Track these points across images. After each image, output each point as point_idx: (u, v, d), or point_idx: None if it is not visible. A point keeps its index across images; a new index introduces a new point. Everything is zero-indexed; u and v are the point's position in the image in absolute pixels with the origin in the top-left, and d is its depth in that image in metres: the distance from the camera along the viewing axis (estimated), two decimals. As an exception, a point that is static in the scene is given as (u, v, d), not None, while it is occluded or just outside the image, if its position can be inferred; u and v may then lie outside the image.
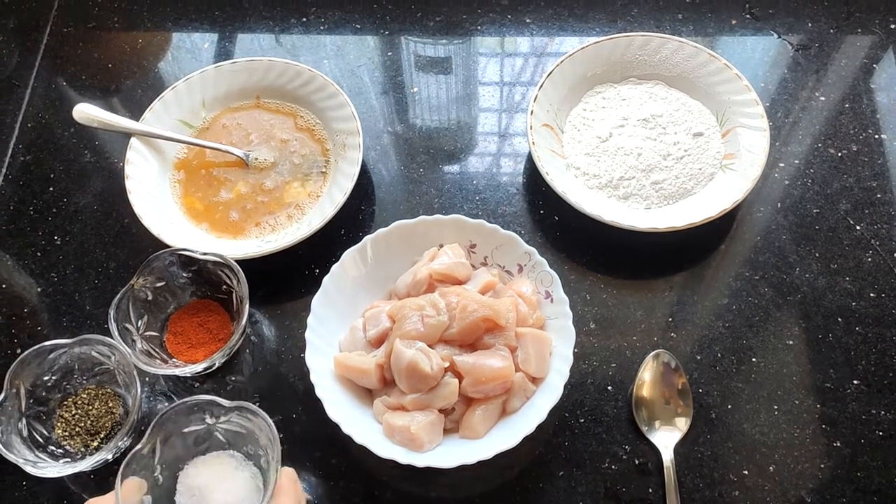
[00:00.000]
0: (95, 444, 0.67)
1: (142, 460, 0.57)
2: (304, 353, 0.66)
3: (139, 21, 0.95)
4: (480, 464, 0.61)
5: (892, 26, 0.90)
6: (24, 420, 0.66)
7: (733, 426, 0.68)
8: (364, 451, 0.61)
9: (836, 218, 0.78)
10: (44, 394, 0.68)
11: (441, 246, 0.71)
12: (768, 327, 0.73)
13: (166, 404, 0.71)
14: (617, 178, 0.78)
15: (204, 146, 0.81)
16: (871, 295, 0.74)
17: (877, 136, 0.83)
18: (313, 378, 0.64)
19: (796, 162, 0.82)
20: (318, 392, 0.64)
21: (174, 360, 0.71)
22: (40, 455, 0.65)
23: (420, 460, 0.61)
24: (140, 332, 0.70)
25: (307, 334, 0.66)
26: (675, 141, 0.79)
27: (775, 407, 0.69)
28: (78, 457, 0.66)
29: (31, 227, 0.81)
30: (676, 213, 0.76)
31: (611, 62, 0.84)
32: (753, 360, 0.71)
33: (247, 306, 0.68)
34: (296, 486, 0.57)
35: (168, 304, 0.73)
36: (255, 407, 0.59)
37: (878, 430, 0.68)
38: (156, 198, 0.78)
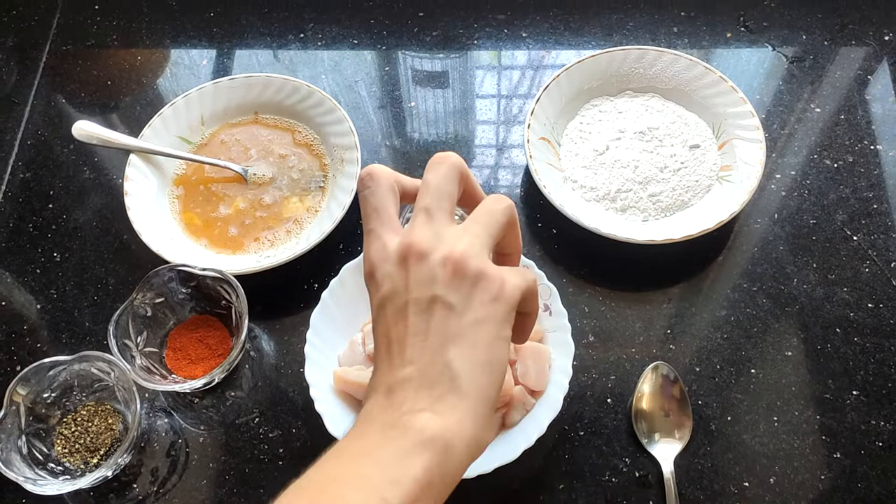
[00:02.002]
0: (95, 460, 0.67)
1: None
2: (303, 368, 0.66)
3: (138, 39, 0.96)
4: (480, 477, 0.61)
5: (886, 38, 0.91)
6: (23, 437, 0.65)
7: (733, 438, 0.68)
8: (364, 466, 0.61)
9: (832, 229, 0.78)
10: (43, 411, 0.68)
11: (439, 260, 0.72)
12: (767, 338, 0.73)
13: (165, 420, 0.71)
14: (614, 190, 0.78)
15: (202, 162, 0.82)
16: (869, 305, 0.74)
17: (872, 147, 0.83)
18: (313, 393, 0.64)
19: (792, 173, 0.82)
20: (318, 407, 0.64)
21: (174, 375, 0.71)
22: (40, 472, 0.64)
23: (420, 474, 0.61)
24: (139, 348, 0.70)
25: (306, 349, 0.66)
26: (671, 153, 0.79)
27: (775, 418, 0.69)
28: (77, 474, 0.66)
29: (30, 243, 0.81)
30: (674, 225, 0.76)
31: (607, 75, 0.84)
32: (752, 371, 0.71)
33: (246, 321, 0.68)
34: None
35: (167, 320, 0.73)
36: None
37: (878, 440, 0.68)
38: (155, 214, 0.78)
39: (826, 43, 0.91)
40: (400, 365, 0.42)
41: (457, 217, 0.50)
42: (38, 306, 0.78)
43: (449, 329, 0.42)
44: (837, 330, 0.73)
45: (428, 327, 0.42)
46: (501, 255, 0.49)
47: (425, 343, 0.42)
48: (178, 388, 0.68)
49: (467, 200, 0.49)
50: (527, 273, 0.45)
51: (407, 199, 0.49)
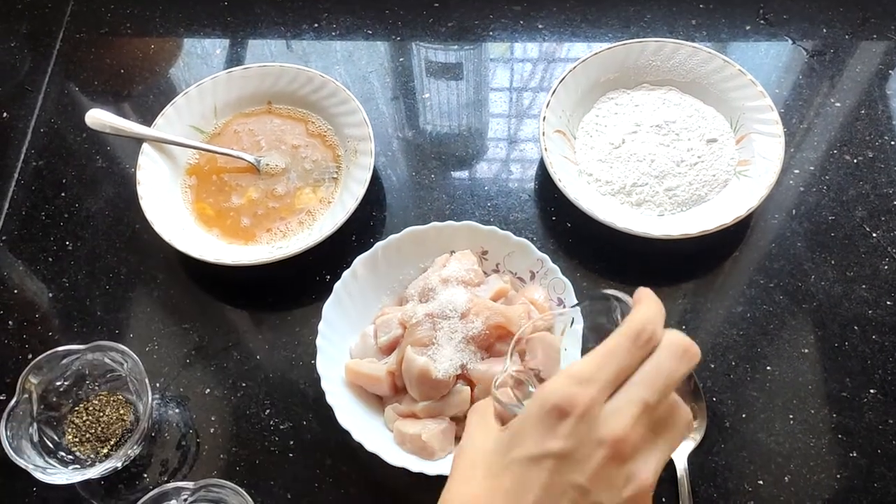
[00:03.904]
0: (105, 450, 0.67)
1: None
2: (315, 360, 0.65)
3: (151, 27, 0.95)
4: (492, 473, 0.60)
5: (908, 32, 0.89)
6: (35, 425, 0.65)
7: (748, 435, 0.67)
8: (375, 459, 0.61)
9: (851, 225, 0.77)
10: (55, 399, 0.68)
11: (452, 252, 0.71)
12: (783, 335, 0.72)
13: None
14: (630, 184, 0.77)
15: (215, 152, 0.81)
16: (888, 303, 0.73)
17: (893, 143, 0.82)
18: (324, 385, 0.64)
19: (811, 168, 0.81)
20: (329, 399, 0.63)
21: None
22: (50, 461, 0.64)
23: (431, 468, 0.61)
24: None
25: (318, 341, 0.66)
26: (688, 147, 0.78)
27: (790, 416, 0.68)
28: (87, 463, 0.66)
29: (42, 232, 0.81)
30: (690, 219, 0.75)
31: (624, 68, 0.83)
32: (768, 368, 0.70)
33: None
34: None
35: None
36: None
37: (895, 440, 0.67)
38: (167, 203, 0.78)
39: (847, 37, 0.90)
40: None
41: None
42: (50, 295, 0.77)
43: None
44: (855, 328, 0.72)
45: None
46: None
47: None
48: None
49: None
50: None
51: None
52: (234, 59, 0.92)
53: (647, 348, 0.41)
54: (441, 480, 0.61)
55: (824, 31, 0.90)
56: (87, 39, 0.95)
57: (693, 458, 0.66)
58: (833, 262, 0.75)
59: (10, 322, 0.76)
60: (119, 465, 0.65)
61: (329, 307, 0.68)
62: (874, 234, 0.77)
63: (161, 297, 0.77)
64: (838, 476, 0.65)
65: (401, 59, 0.91)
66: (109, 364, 0.68)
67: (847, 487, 0.65)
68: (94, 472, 0.63)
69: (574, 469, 0.39)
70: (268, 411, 0.70)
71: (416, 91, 0.89)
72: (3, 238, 0.81)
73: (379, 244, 0.71)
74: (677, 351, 0.41)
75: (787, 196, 0.79)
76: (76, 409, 0.69)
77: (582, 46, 0.91)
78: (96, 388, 0.70)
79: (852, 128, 0.83)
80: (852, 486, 0.65)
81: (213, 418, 0.70)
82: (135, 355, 0.65)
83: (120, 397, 0.70)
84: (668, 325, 0.72)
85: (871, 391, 0.69)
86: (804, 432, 0.67)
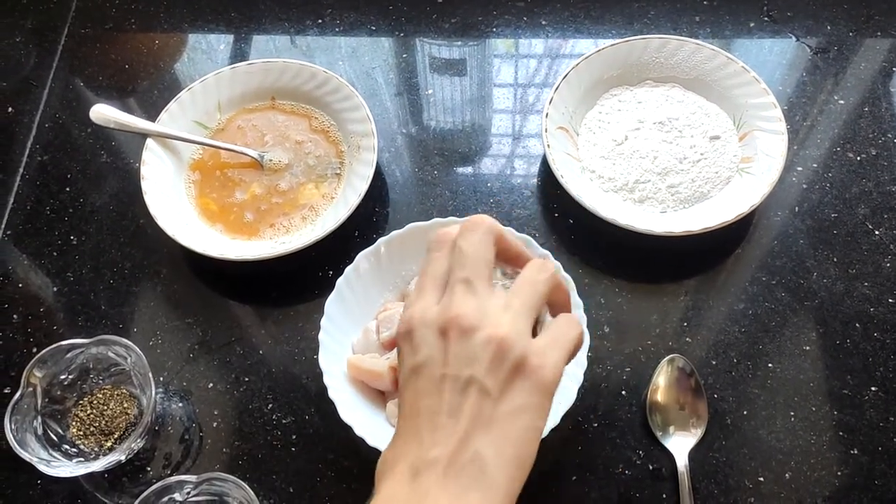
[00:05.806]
0: (109, 444, 0.68)
1: None
2: (317, 355, 0.66)
3: (156, 22, 0.96)
4: (493, 468, 0.60)
5: (913, 29, 0.89)
6: (39, 418, 0.66)
7: (749, 432, 0.68)
8: (377, 454, 0.61)
9: (854, 222, 0.77)
10: (59, 392, 0.68)
11: (455, 248, 0.71)
12: (785, 332, 0.72)
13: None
14: (632, 181, 0.77)
15: (219, 147, 0.82)
16: (890, 301, 0.73)
17: (896, 140, 0.82)
18: (326, 380, 0.64)
19: (814, 166, 0.81)
20: (332, 394, 0.64)
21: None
22: (54, 454, 0.65)
23: (433, 464, 0.61)
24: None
25: (320, 336, 0.66)
26: (691, 144, 0.78)
27: (791, 413, 0.68)
28: (91, 457, 0.67)
29: (47, 226, 0.82)
30: (692, 216, 0.75)
31: (627, 64, 0.83)
32: (769, 365, 0.70)
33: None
34: None
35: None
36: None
37: (897, 437, 0.67)
38: (171, 198, 0.78)
39: (851, 34, 0.89)
40: (429, 444, 0.41)
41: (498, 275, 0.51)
42: (55, 289, 0.78)
43: (482, 415, 0.41)
44: (857, 325, 0.72)
45: (461, 409, 0.41)
46: (551, 306, 0.50)
47: (456, 425, 0.41)
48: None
49: (506, 258, 0.49)
50: (569, 331, 0.45)
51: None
52: (239, 55, 0.93)
53: (447, 248, 0.47)
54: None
55: (828, 28, 0.90)
56: (92, 35, 0.95)
57: (694, 454, 0.66)
58: (835, 259, 0.75)
59: (14, 316, 0.76)
60: (123, 458, 0.65)
61: (331, 302, 0.68)
62: (877, 232, 0.77)
63: (165, 292, 0.77)
64: (839, 473, 0.66)
65: (404, 56, 0.91)
66: (113, 358, 0.68)
67: (848, 485, 0.65)
68: (98, 466, 0.63)
69: (436, 366, 0.43)
70: (270, 406, 0.71)
71: (419, 87, 0.89)
72: (8, 232, 0.82)
73: (381, 240, 0.71)
74: (469, 227, 0.46)
75: (789, 193, 0.79)
76: (80, 402, 0.69)
77: (585, 43, 0.91)
78: (100, 381, 0.70)
79: (856, 125, 0.83)
80: (853, 483, 0.65)
81: (215, 412, 0.71)
82: (138, 349, 0.66)
83: (124, 391, 0.70)
84: (670, 322, 0.73)
85: (873, 389, 0.69)
86: (805, 429, 0.67)
